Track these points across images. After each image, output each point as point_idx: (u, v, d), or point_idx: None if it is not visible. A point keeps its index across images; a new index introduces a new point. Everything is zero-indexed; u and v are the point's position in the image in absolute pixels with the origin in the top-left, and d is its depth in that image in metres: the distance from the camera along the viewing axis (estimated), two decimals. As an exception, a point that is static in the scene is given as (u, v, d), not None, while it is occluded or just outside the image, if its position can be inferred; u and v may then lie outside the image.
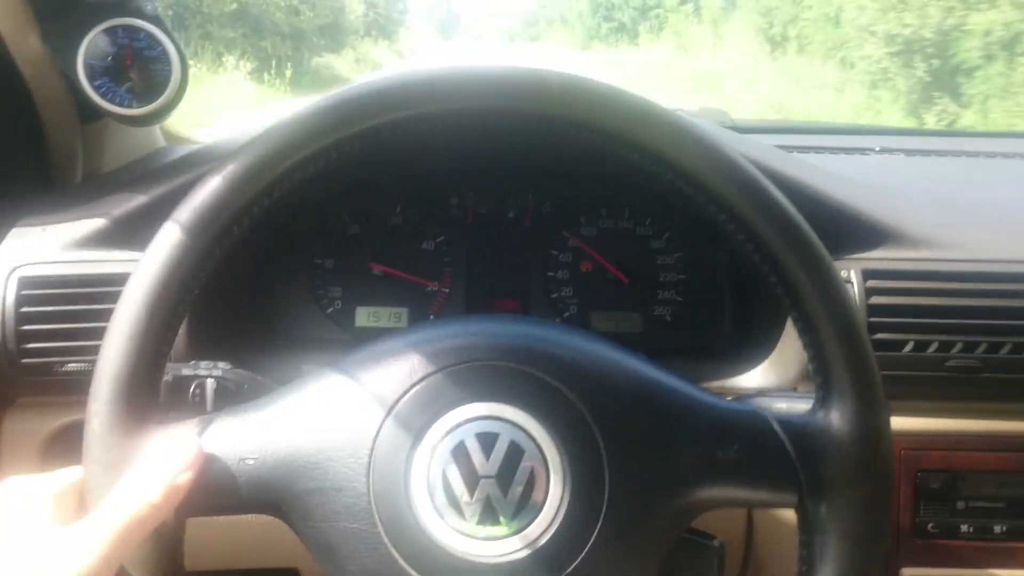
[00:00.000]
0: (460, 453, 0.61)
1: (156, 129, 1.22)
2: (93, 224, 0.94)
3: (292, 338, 1.10)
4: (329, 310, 1.12)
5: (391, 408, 0.62)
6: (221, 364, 0.74)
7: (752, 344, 1.03)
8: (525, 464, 0.61)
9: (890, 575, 0.93)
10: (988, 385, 0.91)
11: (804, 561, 0.64)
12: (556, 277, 1.12)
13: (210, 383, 0.74)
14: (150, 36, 0.93)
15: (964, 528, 0.93)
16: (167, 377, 0.72)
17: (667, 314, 1.11)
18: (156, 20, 0.94)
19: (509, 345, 0.65)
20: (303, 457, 0.62)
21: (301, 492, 0.61)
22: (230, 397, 0.73)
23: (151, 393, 0.63)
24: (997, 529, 0.93)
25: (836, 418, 0.63)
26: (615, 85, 0.65)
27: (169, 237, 0.62)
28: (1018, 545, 0.93)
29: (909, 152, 1.37)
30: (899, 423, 0.93)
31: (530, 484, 0.61)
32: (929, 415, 0.94)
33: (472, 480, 0.60)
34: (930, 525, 0.93)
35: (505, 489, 0.60)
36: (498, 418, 0.62)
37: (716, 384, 0.97)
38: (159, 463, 0.59)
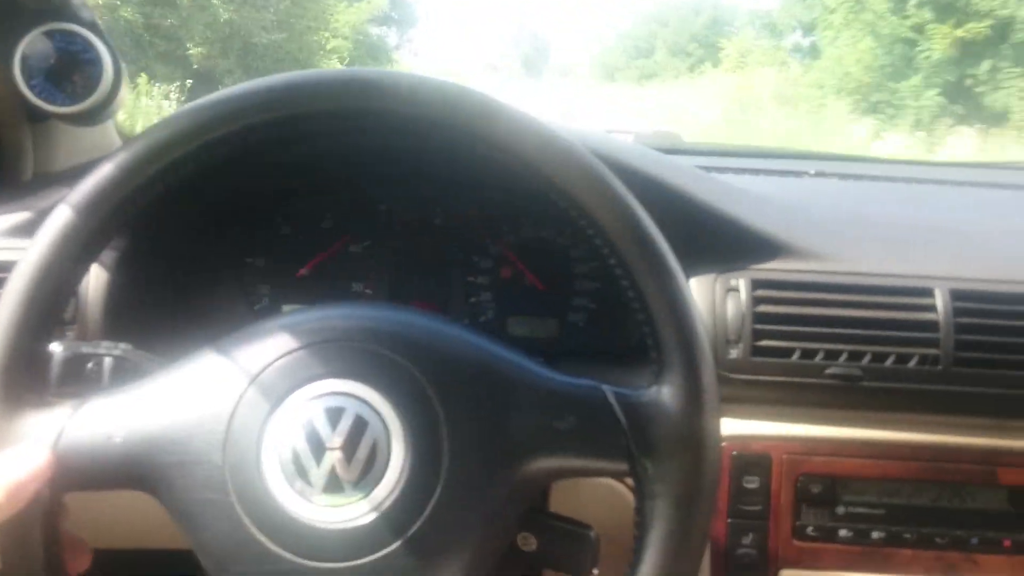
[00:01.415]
0: (309, 426, 0.65)
1: (111, 130, 1.27)
2: (20, 216, 0.99)
3: (220, 331, 1.15)
4: (257, 307, 1.17)
5: (246, 387, 0.67)
6: (122, 345, 0.79)
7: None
8: (368, 435, 0.65)
9: None
10: (870, 394, 0.94)
11: (637, 527, 0.67)
12: (475, 282, 1.17)
13: (108, 361, 0.78)
14: (86, 40, 1.00)
15: (843, 532, 0.96)
16: (66, 354, 0.77)
17: (581, 320, 1.15)
18: (92, 26, 1.00)
19: (360, 327, 0.69)
20: (167, 432, 0.66)
21: (164, 465, 0.66)
22: (128, 377, 0.76)
23: (32, 373, 0.68)
24: (875, 535, 0.95)
25: (666, 391, 0.67)
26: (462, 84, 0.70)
27: (58, 218, 0.68)
28: (895, 550, 0.95)
29: (843, 176, 1.41)
30: (782, 429, 0.96)
31: (373, 455, 0.65)
32: (812, 422, 0.97)
33: (319, 451, 0.64)
34: (809, 528, 0.96)
35: (349, 459, 0.64)
36: (346, 394, 0.66)
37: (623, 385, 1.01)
38: (9, 468, 0.63)
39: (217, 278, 1.17)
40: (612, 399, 0.68)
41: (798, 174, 1.40)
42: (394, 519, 0.64)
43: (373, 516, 0.64)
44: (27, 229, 0.98)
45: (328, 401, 0.66)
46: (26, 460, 0.64)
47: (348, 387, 0.66)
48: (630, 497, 0.98)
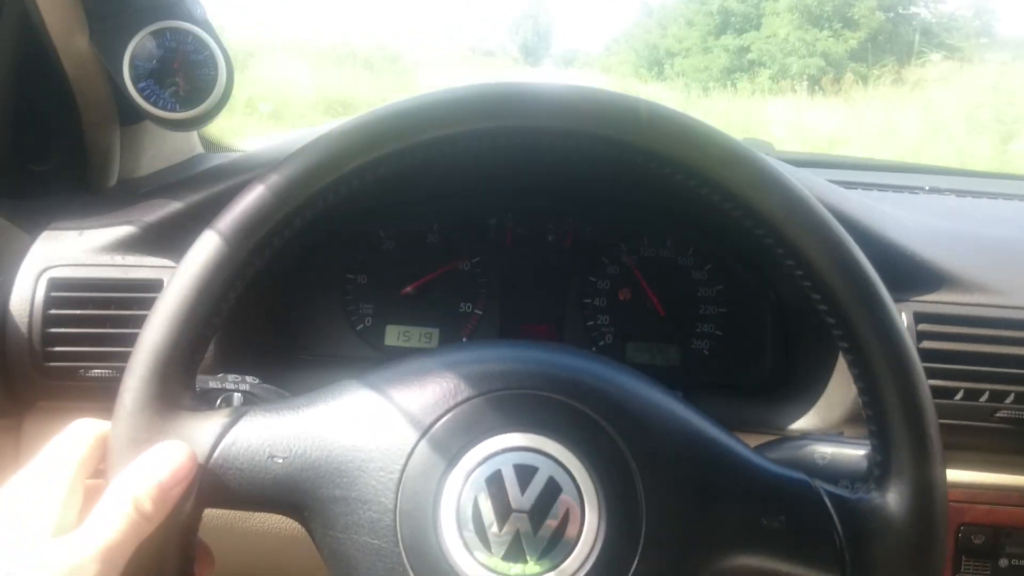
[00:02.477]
0: (495, 483, 0.58)
1: (194, 135, 1.21)
2: (126, 229, 0.93)
3: (320, 354, 1.08)
4: (359, 327, 1.10)
5: (429, 428, 0.60)
6: (249, 378, 0.73)
7: (794, 385, 1.01)
8: (561, 502, 0.58)
9: None
10: None
11: None
12: (592, 304, 1.10)
13: (237, 396, 0.72)
14: (197, 40, 0.92)
15: None
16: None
17: (705, 348, 1.08)
18: (204, 24, 0.93)
19: (556, 376, 0.62)
20: (333, 463, 0.60)
21: (326, 498, 0.59)
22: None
23: (186, 379, 0.62)
24: None
25: (892, 501, 0.60)
26: (699, 120, 0.63)
27: (208, 245, 0.61)
28: None
29: (959, 193, 1.34)
30: None
31: (563, 523, 0.58)
32: (975, 467, 0.90)
33: (504, 512, 0.58)
34: None
35: (537, 526, 0.58)
36: (538, 451, 0.59)
37: (754, 424, 0.94)
38: (153, 469, 0.57)
39: (317, 296, 1.10)
40: (828, 501, 0.61)
41: (913, 190, 1.33)
42: None
43: None
44: (133, 245, 0.92)
45: (519, 457, 0.59)
46: (166, 461, 0.58)
47: (541, 443, 0.60)
48: None
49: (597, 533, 0.58)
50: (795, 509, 0.61)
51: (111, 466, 0.59)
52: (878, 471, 0.61)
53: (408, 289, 1.09)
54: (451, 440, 0.60)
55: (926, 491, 0.59)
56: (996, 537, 0.90)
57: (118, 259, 0.92)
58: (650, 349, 1.09)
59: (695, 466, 0.61)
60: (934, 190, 1.34)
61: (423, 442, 0.60)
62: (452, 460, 0.59)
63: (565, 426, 0.60)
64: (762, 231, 0.62)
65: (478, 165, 1.04)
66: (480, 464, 0.59)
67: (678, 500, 0.60)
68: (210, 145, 1.28)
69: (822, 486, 0.62)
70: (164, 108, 0.93)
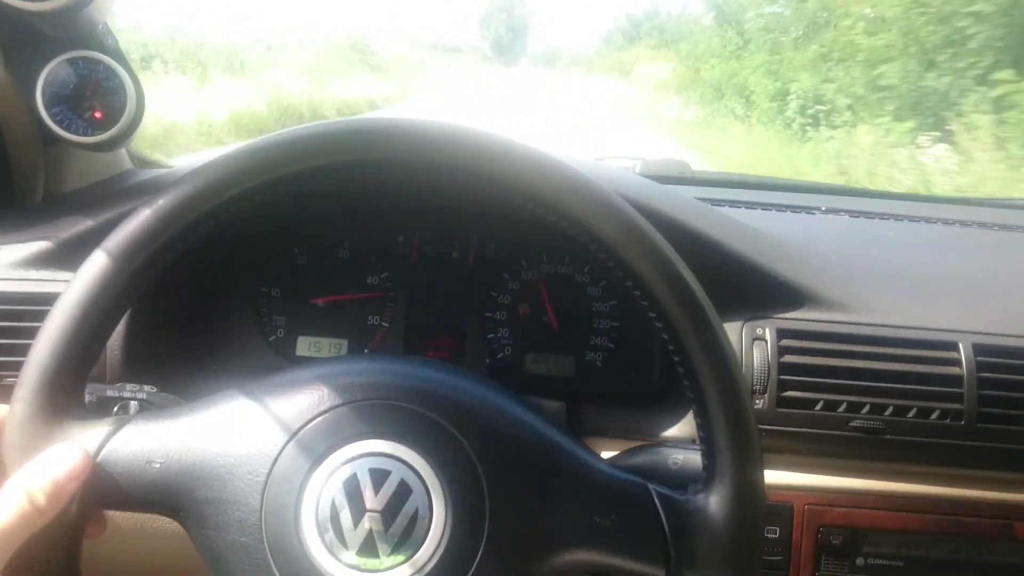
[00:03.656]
0: (351, 485, 0.65)
1: (122, 152, 1.26)
2: (41, 245, 0.98)
3: (233, 364, 1.13)
4: (272, 338, 1.15)
5: (294, 433, 0.66)
6: (147, 387, 0.78)
7: (673, 395, 1.07)
8: (411, 502, 0.65)
9: None
10: (892, 446, 0.95)
11: None
12: (493, 318, 1.16)
13: (133, 404, 0.77)
14: (108, 68, 0.98)
15: None
16: (91, 397, 0.76)
17: (598, 359, 1.14)
18: (115, 54, 0.98)
19: (411, 387, 0.69)
20: (206, 467, 0.66)
21: (199, 500, 0.66)
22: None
23: (74, 390, 0.68)
24: None
25: (714, 502, 0.66)
26: (549, 152, 0.69)
27: (95, 264, 0.67)
28: None
29: (853, 213, 1.41)
30: (803, 479, 0.97)
31: (413, 521, 0.64)
32: (833, 472, 0.97)
33: (359, 512, 0.64)
34: None
35: (388, 524, 0.64)
36: (392, 456, 0.66)
37: (634, 432, 1.01)
38: (48, 467, 0.63)
39: (232, 309, 1.15)
40: (657, 501, 0.67)
41: (809, 210, 1.40)
42: None
43: None
44: (46, 260, 0.97)
45: (375, 461, 0.66)
46: (64, 461, 0.64)
47: (394, 449, 0.66)
48: None
49: (444, 529, 0.64)
50: (627, 508, 0.67)
51: (5, 469, 0.65)
52: (704, 474, 0.68)
53: (318, 301, 1.15)
54: (313, 446, 0.66)
55: (743, 492, 0.66)
56: (853, 537, 0.96)
57: (32, 273, 0.97)
58: (547, 360, 1.14)
59: (536, 469, 0.68)
60: (830, 210, 1.40)
61: (288, 448, 0.66)
62: (313, 464, 0.66)
63: (417, 433, 0.67)
64: (603, 255, 0.68)
65: (386, 185, 1.09)
66: (339, 467, 0.65)
67: (519, 500, 0.66)
68: (139, 161, 1.33)
69: (655, 488, 0.68)
70: (76, 132, 0.98)
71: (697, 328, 0.66)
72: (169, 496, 0.66)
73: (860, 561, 0.96)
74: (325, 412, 0.67)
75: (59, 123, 0.97)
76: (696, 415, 0.68)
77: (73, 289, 0.67)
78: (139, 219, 0.68)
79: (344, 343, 1.15)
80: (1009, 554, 0.96)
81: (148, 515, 0.96)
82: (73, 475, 0.63)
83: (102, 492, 0.65)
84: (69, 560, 0.66)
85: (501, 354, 1.15)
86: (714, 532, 0.66)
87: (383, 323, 1.16)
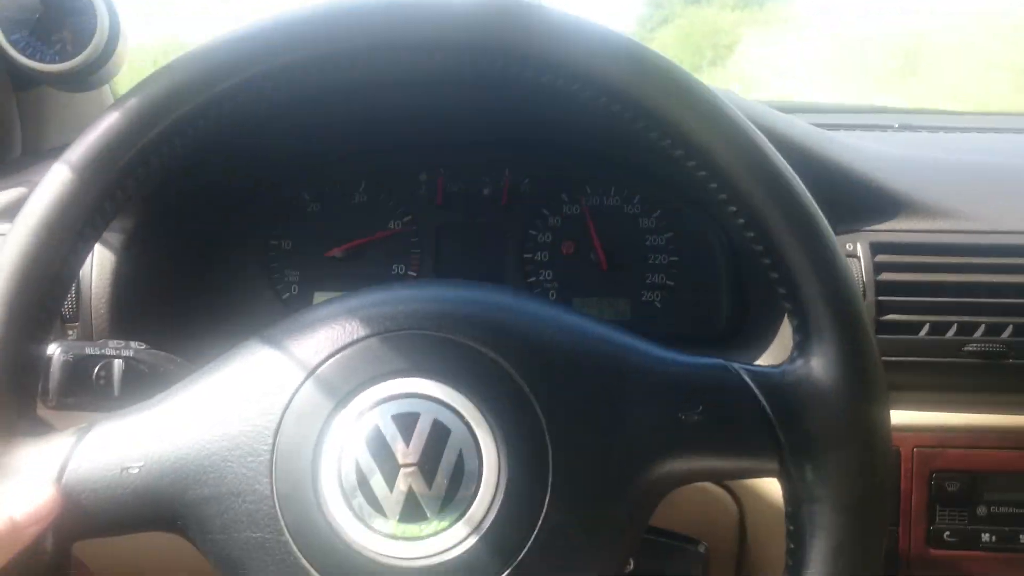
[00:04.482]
0: (375, 440, 0.52)
1: (108, 101, 1.14)
2: (14, 193, 0.87)
3: (245, 325, 1.02)
4: (285, 296, 1.03)
5: (289, 400, 0.53)
6: (134, 343, 0.65)
7: (749, 332, 0.95)
8: (452, 447, 0.52)
9: None
10: (1014, 373, 0.82)
11: (791, 538, 0.55)
12: (534, 259, 1.03)
13: (118, 364, 0.65)
14: (74, -14, 0.85)
15: (986, 537, 0.83)
16: (67, 357, 0.64)
17: (657, 299, 1.02)
18: (82, -31, 0.86)
19: (428, 311, 0.56)
20: (195, 460, 0.53)
21: (196, 501, 0.53)
22: (143, 382, 0.64)
23: (25, 385, 0.55)
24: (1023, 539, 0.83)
25: (817, 365, 0.54)
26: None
27: (53, 182, 0.54)
28: None
29: (932, 129, 1.27)
30: (911, 417, 0.84)
31: (459, 471, 0.52)
32: (946, 408, 0.84)
33: (391, 471, 0.51)
34: (946, 534, 0.83)
35: (430, 478, 0.51)
36: (417, 395, 0.53)
37: None
38: (4, 507, 0.50)
39: (239, 264, 1.04)
40: (748, 380, 0.55)
41: (883, 128, 1.27)
42: (492, 550, 0.51)
43: (465, 547, 0.51)
44: (15, 210, 0.85)
45: (397, 406, 0.53)
46: (23, 499, 0.51)
47: (420, 387, 0.53)
48: (731, 504, 0.87)
49: (499, 471, 0.52)
50: (715, 397, 0.55)
51: None
52: (798, 337, 0.55)
53: (334, 252, 1.02)
54: (318, 407, 0.53)
55: (851, 345, 0.54)
56: (972, 483, 0.83)
57: (6, 226, 0.85)
58: (598, 304, 1.02)
59: (595, 374, 0.55)
60: (904, 127, 1.27)
61: (287, 418, 0.53)
62: (323, 427, 0.53)
63: (444, 362, 0.54)
64: (680, 151, 0.55)
65: (404, 116, 0.98)
66: (354, 423, 0.53)
67: (584, 417, 0.54)
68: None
69: (742, 367, 0.56)
70: (43, 60, 0.85)
71: (765, 175, 0.54)
72: (158, 505, 0.53)
73: (982, 510, 0.83)
74: (321, 364, 0.54)
75: (22, 50, 0.84)
76: (771, 267, 0.55)
77: (9, 245, 0.54)
78: (105, 122, 0.55)
79: None
80: None
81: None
82: (37, 516, 0.51)
83: (78, 520, 0.53)
84: None
85: None
86: (827, 404, 0.54)
87: (409, 272, 1.03)
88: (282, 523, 0.52)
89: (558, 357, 0.55)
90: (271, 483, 0.52)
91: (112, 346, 0.65)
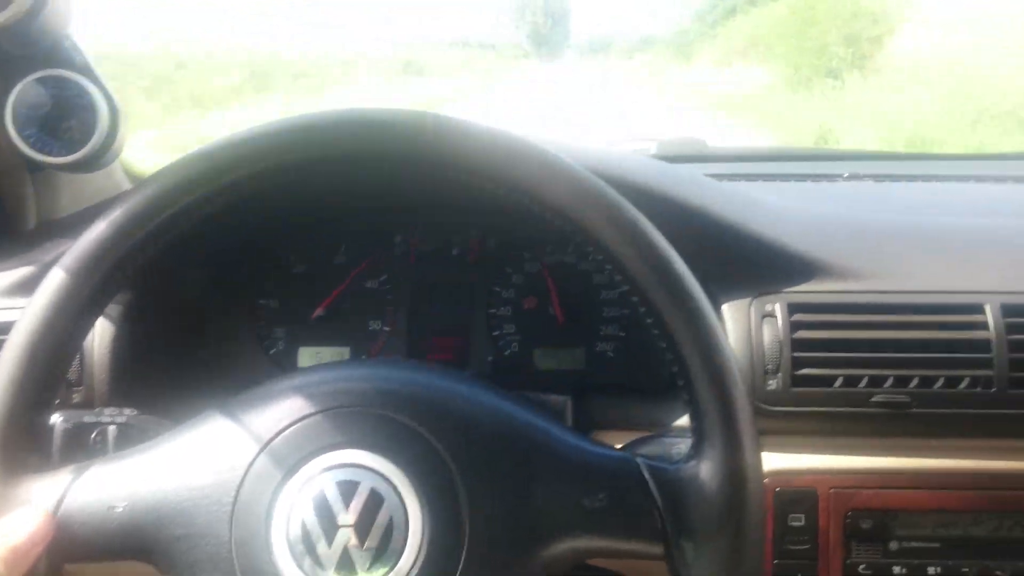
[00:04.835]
0: (320, 502, 0.61)
1: (117, 171, 1.24)
2: (24, 272, 0.96)
3: (233, 380, 1.11)
4: (272, 351, 1.12)
5: (252, 460, 0.63)
6: (127, 410, 0.75)
7: None
8: (384, 512, 0.61)
9: None
10: (919, 420, 0.88)
11: None
12: (497, 314, 1.12)
13: (112, 429, 0.75)
14: (78, 86, 0.96)
15: (897, 570, 0.90)
16: (67, 425, 0.73)
17: (610, 350, 1.10)
18: (84, 69, 0.96)
19: (373, 389, 0.65)
20: (170, 503, 0.63)
21: (169, 539, 0.62)
22: (134, 443, 0.73)
23: (33, 437, 0.65)
24: (932, 571, 0.90)
25: (705, 467, 0.62)
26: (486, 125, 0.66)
27: (53, 282, 0.64)
28: None
29: (878, 178, 1.35)
30: (827, 461, 0.91)
31: (388, 533, 0.60)
32: (859, 453, 0.91)
33: (331, 529, 0.60)
34: (861, 567, 0.90)
35: (363, 538, 0.60)
36: (360, 465, 0.62)
37: (646, 424, 0.96)
38: (7, 534, 0.60)
39: (229, 324, 1.13)
40: (647, 474, 0.63)
41: (831, 178, 1.34)
42: None
43: None
44: (30, 286, 0.95)
45: (341, 474, 0.62)
46: (25, 526, 0.61)
47: (362, 458, 0.62)
48: None
49: (422, 536, 0.60)
50: (615, 485, 0.63)
51: None
52: (694, 439, 0.63)
53: (318, 311, 1.12)
54: (275, 468, 0.62)
55: (735, 451, 0.62)
56: (884, 521, 0.90)
57: (18, 301, 0.95)
58: (556, 354, 1.10)
59: (513, 456, 0.63)
60: (853, 176, 1.34)
61: (249, 474, 0.62)
62: (278, 486, 0.62)
63: (383, 437, 0.63)
64: (580, 239, 0.65)
65: (377, 189, 1.06)
66: (304, 485, 0.62)
67: (498, 491, 0.62)
68: (138, 181, 1.31)
69: (643, 460, 0.64)
70: (52, 154, 0.96)
71: (665, 284, 0.63)
72: (137, 540, 0.63)
73: (894, 545, 0.90)
74: (283, 430, 0.63)
75: (33, 146, 0.95)
76: (680, 378, 0.64)
77: (25, 320, 0.65)
78: (93, 232, 0.65)
79: (346, 351, 1.12)
80: None
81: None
82: (35, 541, 0.61)
83: (67, 546, 0.63)
84: None
85: (508, 351, 1.10)
86: (709, 499, 0.62)
87: (384, 327, 1.12)
88: (236, 566, 0.61)
89: (483, 439, 0.63)
90: (230, 530, 0.61)
91: (108, 413, 0.75)
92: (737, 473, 0.61)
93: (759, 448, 0.63)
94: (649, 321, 0.64)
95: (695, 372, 0.62)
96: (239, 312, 1.13)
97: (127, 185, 1.27)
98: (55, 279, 0.65)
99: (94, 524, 0.62)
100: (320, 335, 1.12)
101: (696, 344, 0.62)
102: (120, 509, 0.63)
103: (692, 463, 0.63)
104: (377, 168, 0.66)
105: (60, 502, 0.63)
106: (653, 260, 0.63)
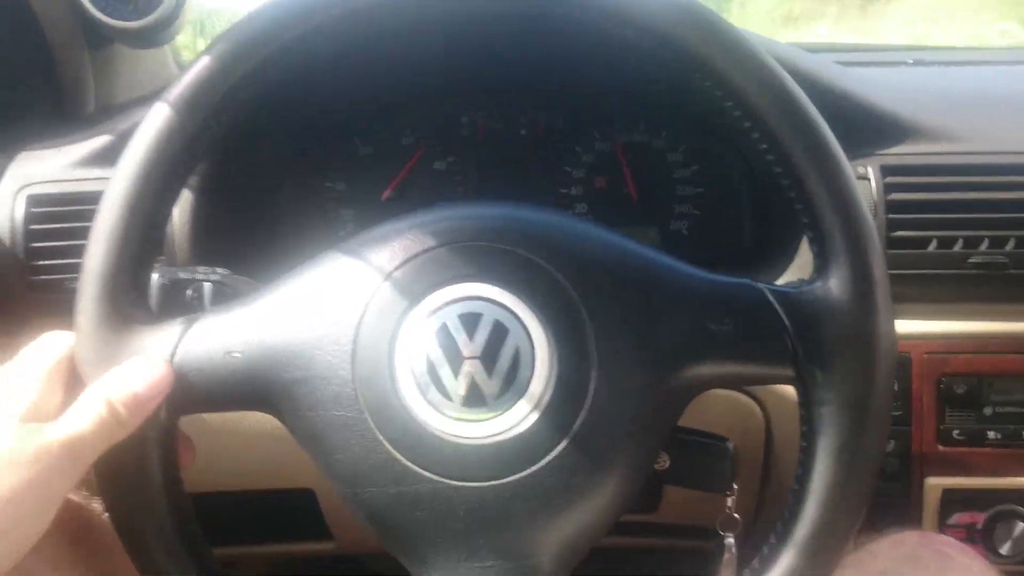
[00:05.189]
0: (444, 335, 0.59)
1: (169, 61, 1.22)
2: (101, 141, 0.94)
3: (307, 257, 1.10)
4: (341, 233, 1.11)
5: (373, 292, 0.61)
6: (219, 269, 0.74)
7: (771, 253, 1.00)
8: (509, 343, 0.59)
9: (914, 486, 0.91)
10: (1016, 282, 0.88)
11: (804, 437, 0.62)
12: (569, 194, 1.10)
13: (207, 286, 0.73)
14: (145, -50, 0.93)
15: (991, 435, 0.90)
16: (164, 280, 0.72)
17: (684, 228, 1.09)
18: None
19: (491, 227, 0.63)
20: (289, 347, 0.61)
21: (288, 382, 0.61)
22: (227, 302, 0.72)
23: (138, 290, 0.63)
24: None
25: (833, 285, 0.60)
26: None
27: (159, 115, 0.62)
28: None
29: (945, 63, 1.32)
30: (921, 326, 0.90)
31: (515, 364, 0.59)
32: (953, 317, 0.90)
33: (456, 362, 0.59)
34: (955, 432, 0.90)
35: (490, 369, 0.59)
36: (481, 298, 0.60)
37: None
38: (128, 380, 0.58)
39: (300, 204, 1.11)
40: (771, 297, 0.61)
41: (895, 64, 1.31)
42: (540, 435, 0.58)
43: (516, 432, 0.58)
44: (107, 157, 0.93)
45: (463, 307, 0.60)
46: (145, 374, 0.59)
47: (484, 291, 0.60)
48: (758, 411, 0.94)
49: (550, 365, 0.59)
50: (741, 311, 0.61)
51: (84, 380, 0.61)
52: (817, 261, 0.62)
53: (387, 193, 1.10)
54: (395, 303, 0.61)
55: (864, 270, 0.60)
56: (978, 386, 0.90)
57: (96, 172, 0.93)
58: (629, 233, 1.08)
59: (636, 286, 0.62)
60: (918, 63, 1.31)
61: (368, 310, 0.61)
62: (398, 322, 0.60)
63: (504, 270, 0.61)
64: (709, 83, 0.62)
65: (446, 63, 1.05)
66: (426, 319, 0.60)
67: (624, 321, 0.60)
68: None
69: (767, 287, 0.63)
70: (118, 18, 0.94)
71: (788, 110, 0.61)
72: (255, 385, 0.61)
73: (988, 411, 0.90)
74: (399, 267, 0.62)
75: (102, 9, 0.93)
76: (795, 198, 0.62)
77: (128, 160, 0.62)
78: (199, 65, 0.62)
79: None
80: None
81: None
82: (155, 390, 0.59)
83: (187, 395, 0.61)
84: (165, 464, 0.62)
85: None
86: (838, 318, 0.60)
87: None
88: (362, 404, 0.59)
89: (603, 270, 0.62)
90: (352, 369, 0.59)
91: (201, 271, 0.73)
92: (867, 289, 0.60)
93: (887, 272, 0.61)
94: (770, 158, 0.62)
95: (818, 191, 0.60)
96: (309, 194, 1.11)
97: (177, 73, 1.25)
98: (158, 117, 0.62)
99: (211, 372, 0.61)
100: (388, 217, 1.10)
101: (822, 170, 0.60)
102: (238, 355, 0.61)
103: (819, 284, 0.61)
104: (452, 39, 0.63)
105: (175, 351, 0.61)
106: (776, 90, 0.61)
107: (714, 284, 0.63)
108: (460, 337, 0.59)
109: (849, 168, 0.61)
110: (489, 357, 0.59)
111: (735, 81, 0.61)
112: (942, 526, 0.90)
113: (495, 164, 1.12)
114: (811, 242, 0.62)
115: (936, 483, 0.90)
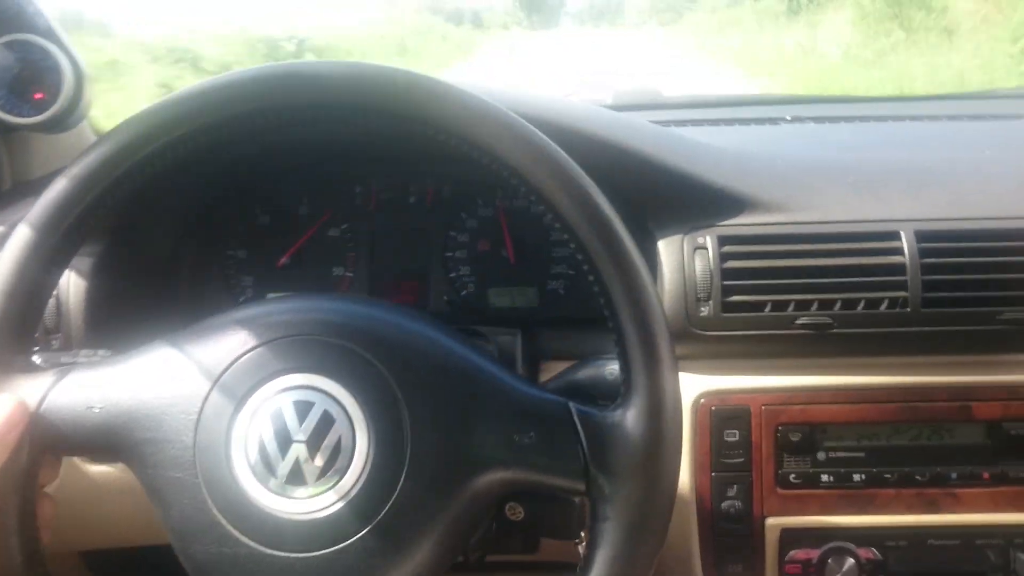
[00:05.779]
0: (277, 417, 0.67)
1: (86, 131, 1.29)
2: (13, 218, 1.01)
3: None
4: (241, 299, 1.18)
5: (222, 373, 0.69)
6: (101, 351, 0.81)
7: None
8: (333, 433, 0.67)
9: (756, 525, 0.98)
10: (841, 340, 0.96)
11: (587, 547, 0.69)
12: (454, 257, 1.18)
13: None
14: (42, 49, 1.01)
15: (825, 478, 0.98)
16: (46, 365, 0.79)
17: (560, 287, 1.17)
18: (47, 33, 1.01)
19: (330, 321, 0.71)
20: (141, 409, 0.69)
21: (139, 440, 0.69)
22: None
23: (16, 345, 0.71)
24: (856, 477, 0.97)
25: (630, 416, 0.67)
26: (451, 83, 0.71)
27: (19, 237, 0.70)
28: (877, 491, 0.97)
29: (819, 120, 1.41)
30: (757, 381, 0.98)
31: (336, 452, 0.66)
32: (787, 372, 0.98)
33: (285, 443, 0.67)
34: (792, 476, 0.98)
35: (313, 453, 0.66)
36: (316, 388, 0.68)
37: (590, 352, 1.02)
38: None
39: (199, 273, 1.18)
40: (576, 417, 0.69)
41: (775, 121, 1.40)
42: (347, 520, 0.66)
43: (327, 513, 0.66)
44: (2, 244, 1.00)
45: (299, 394, 0.68)
46: (2, 411, 0.67)
47: (318, 382, 0.68)
48: None
49: (367, 456, 0.67)
50: (545, 425, 0.69)
51: None
52: (623, 389, 0.69)
53: (283, 260, 1.18)
54: (240, 384, 0.69)
55: (656, 401, 0.67)
56: (812, 434, 0.98)
57: None
58: (509, 293, 1.17)
59: (455, 391, 0.69)
60: (796, 119, 1.40)
61: (217, 386, 0.69)
62: (241, 401, 0.68)
63: (337, 365, 0.69)
64: (516, 182, 0.70)
65: (337, 140, 1.12)
66: (264, 403, 0.68)
67: (439, 423, 0.68)
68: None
69: (574, 405, 0.70)
70: (20, 115, 1.01)
71: (605, 242, 0.68)
72: (111, 438, 0.69)
73: (821, 455, 0.98)
74: (248, 351, 0.69)
75: (2, 108, 1.00)
76: (612, 331, 0.69)
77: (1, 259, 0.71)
78: (56, 187, 0.71)
79: None
80: (968, 435, 0.97)
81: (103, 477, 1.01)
82: (11, 424, 0.67)
83: (49, 438, 0.69)
84: (24, 504, 0.69)
85: (464, 291, 1.17)
86: (629, 444, 0.67)
87: (347, 273, 1.18)
88: (198, 469, 0.67)
89: (430, 375, 0.70)
90: (194, 436, 0.68)
91: (83, 355, 0.80)
92: (658, 426, 0.67)
93: (680, 401, 0.69)
94: (585, 267, 0.69)
95: (624, 323, 0.68)
96: (209, 262, 1.19)
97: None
98: (21, 235, 0.70)
99: (73, 421, 0.69)
100: (286, 283, 1.18)
101: (631, 307, 0.67)
102: (97, 410, 0.69)
103: (619, 411, 0.68)
104: (336, 121, 0.71)
105: (44, 398, 0.69)
106: (583, 205, 0.69)
107: (526, 397, 0.71)
108: (291, 422, 0.67)
109: (660, 316, 0.68)
110: (314, 442, 0.67)
111: (548, 197, 0.69)
112: (781, 562, 0.98)
113: (387, 231, 1.20)
114: (618, 356, 0.69)
115: (775, 523, 0.98)
